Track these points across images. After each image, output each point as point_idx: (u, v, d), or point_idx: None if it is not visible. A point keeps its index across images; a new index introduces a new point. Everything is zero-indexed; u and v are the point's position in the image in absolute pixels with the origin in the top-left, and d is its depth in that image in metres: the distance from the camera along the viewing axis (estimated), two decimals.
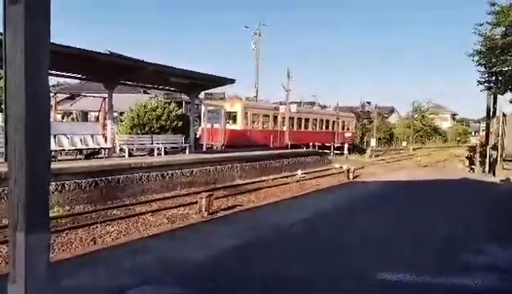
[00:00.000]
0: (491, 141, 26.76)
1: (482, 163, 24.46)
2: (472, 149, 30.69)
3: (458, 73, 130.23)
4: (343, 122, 44.39)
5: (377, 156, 39.21)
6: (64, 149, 17.13)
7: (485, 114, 30.92)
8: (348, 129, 44.99)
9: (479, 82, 24.42)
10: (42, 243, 1.96)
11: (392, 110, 78.46)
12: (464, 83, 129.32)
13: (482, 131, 37.25)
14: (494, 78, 23.75)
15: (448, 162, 34.98)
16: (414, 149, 50.97)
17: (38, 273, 1.93)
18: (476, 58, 22.71)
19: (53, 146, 15.72)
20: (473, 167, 26.07)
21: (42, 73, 1.93)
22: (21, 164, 1.86)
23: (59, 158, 16.59)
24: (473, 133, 51.67)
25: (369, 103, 61.85)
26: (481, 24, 21.47)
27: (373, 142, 43.57)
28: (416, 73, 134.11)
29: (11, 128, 1.89)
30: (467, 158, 29.26)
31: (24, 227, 1.87)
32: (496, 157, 22.27)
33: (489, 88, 25.14)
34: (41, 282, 1.94)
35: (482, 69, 23.64)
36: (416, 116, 70.43)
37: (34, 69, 1.88)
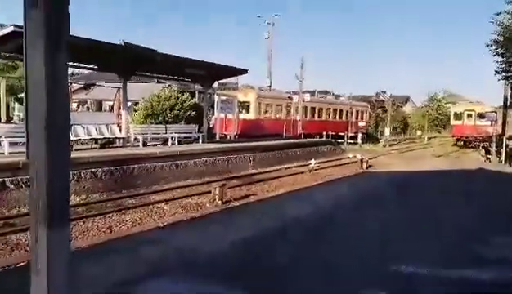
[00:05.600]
0: (508, 131, 26.37)
1: (498, 153, 24.14)
2: (488, 138, 30.24)
3: (475, 61, 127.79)
4: (357, 111, 44.10)
5: (391, 145, 38.90)
6: (79, 139, 17.37)
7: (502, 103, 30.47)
8: (361, 118, 44.68)
9: (497, 72, 24.00)
10: (63, 236, 2.02)
11: (407, 99, 77.54)
12: (481, 72, 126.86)
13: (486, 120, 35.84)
14: None
15: (463, 152, 34.52)
16: (429, 139, 50.41)
17: (60, 265, 1.99)
18: (493, 47, 22.28)
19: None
20: (489, 156, 25.76)
21: (61, 69, 1.97)
22: (42, 159, 1.91)
23: (74, 147, 16.82)
24: (452, 118, 41.59)
25: (384, 92, 61.16)
26: (499, 14, 21.01)
27: (387, 131, 43.18)
28: (433, 62, 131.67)
29: (31, 124, 1.94)
30: (483, 147, 28.89)
31: (46, 221, 1.93)
32: None
33: (507, 78, 24.70)
34: (62, 274, 2.01)
35: (500, 58, 23.20)
36: (431, 105, 69.48)
37: (54, 65, 1.92)
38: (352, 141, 35.87)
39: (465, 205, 10.69)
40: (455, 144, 39.10)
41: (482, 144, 31.05)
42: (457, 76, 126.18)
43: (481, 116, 36.98)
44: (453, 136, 40.87)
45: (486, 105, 39.44)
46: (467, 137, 38.13)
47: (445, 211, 10.08)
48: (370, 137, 44.61)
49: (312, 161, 21.52)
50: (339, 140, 33.37)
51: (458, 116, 40.16)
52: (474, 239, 7.58)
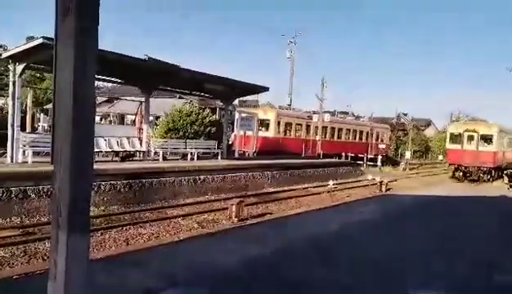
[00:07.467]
0: None
1: None
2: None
3: (500, 86, 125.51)
4: (378, 133, 43.70)
5: (411, 169, 38.31)
6: (101, 151, 17.61)
7: None
8: (382, 140, 44.22)
9: None
10: (82, 243, 2.05)
11: (428, 123, 76.60)
12: (505, 97, 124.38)
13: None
14: None
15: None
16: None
17: (78, 272, 2.02)
18: None
19: None
20: None
21: (89, 80, 2.03)
22: (66, 168, 1.95)
23: (96, 159, 17.06)
24: (448, 141, 31.05)
25: (405, 114, 60.61)
26: None
27: (408, 154, 42.55)
28: (456, 86, 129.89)
29: (58, 133, 1.99)
30: (506, 175, 28.14)
31: (66, 227, 1.96)
32: None
33: None
34: (80, 281, 2.03)
35: None
36: None
37: (82, 77, 1.97)
38: (371, 163, 35.48)
39: (485, 243, 10.27)
40: (453, 176, 29.90)
41: (506, 172, 30.00)
42: (482, 101, 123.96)
43: (485, 139, 28.81)
44: (450, 165, 31.05)
45: (493, 125, 30.85)
46: (466, 167, 28.84)
47: (462, 243, 9.82)
48: (391, 160, 44.04)
49: (330, 182, 21.34)
50: (359, 162, 33.05)
51: (455, 138, 29.94)
52: None
